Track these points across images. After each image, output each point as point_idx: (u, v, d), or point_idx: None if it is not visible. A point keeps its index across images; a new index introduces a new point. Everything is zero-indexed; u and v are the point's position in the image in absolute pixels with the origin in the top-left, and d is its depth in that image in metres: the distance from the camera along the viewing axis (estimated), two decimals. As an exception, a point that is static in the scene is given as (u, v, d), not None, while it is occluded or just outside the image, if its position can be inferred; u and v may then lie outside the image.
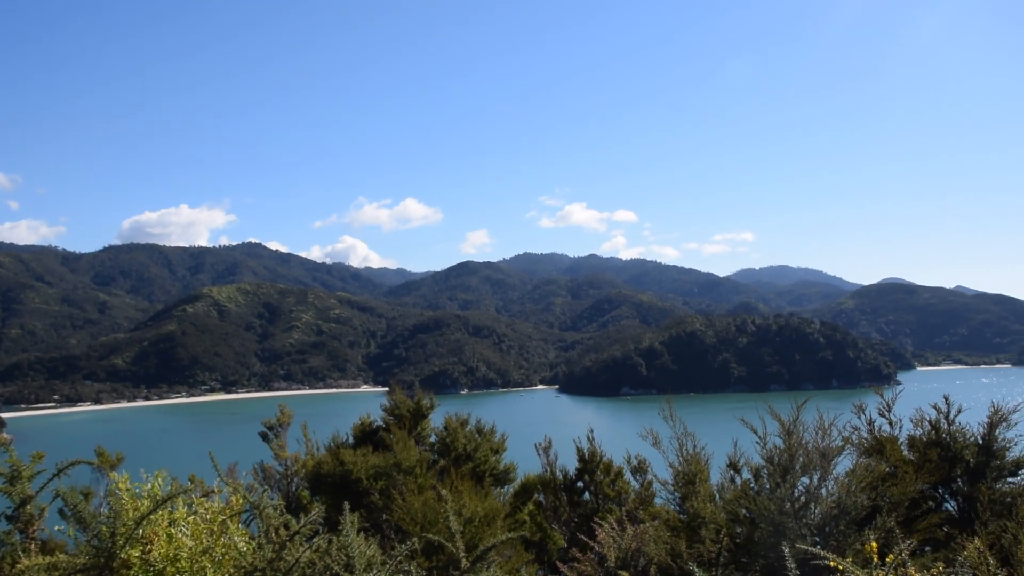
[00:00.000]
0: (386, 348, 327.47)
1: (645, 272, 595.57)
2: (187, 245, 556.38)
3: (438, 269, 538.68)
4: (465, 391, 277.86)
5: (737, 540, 8.93)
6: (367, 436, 16.69)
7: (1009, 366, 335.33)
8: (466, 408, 18.27)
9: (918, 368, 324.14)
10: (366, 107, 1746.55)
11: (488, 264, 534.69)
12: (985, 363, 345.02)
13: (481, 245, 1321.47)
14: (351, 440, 16.94)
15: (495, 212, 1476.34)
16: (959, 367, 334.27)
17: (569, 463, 17.01)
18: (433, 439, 16.95)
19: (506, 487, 16.65)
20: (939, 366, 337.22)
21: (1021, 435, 9.53)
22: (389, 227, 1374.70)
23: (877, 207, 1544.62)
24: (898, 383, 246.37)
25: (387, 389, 19.36)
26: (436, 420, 17.22)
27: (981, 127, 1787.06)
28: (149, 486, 6.67)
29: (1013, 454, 9.42)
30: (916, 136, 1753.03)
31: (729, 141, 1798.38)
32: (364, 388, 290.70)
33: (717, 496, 10.05)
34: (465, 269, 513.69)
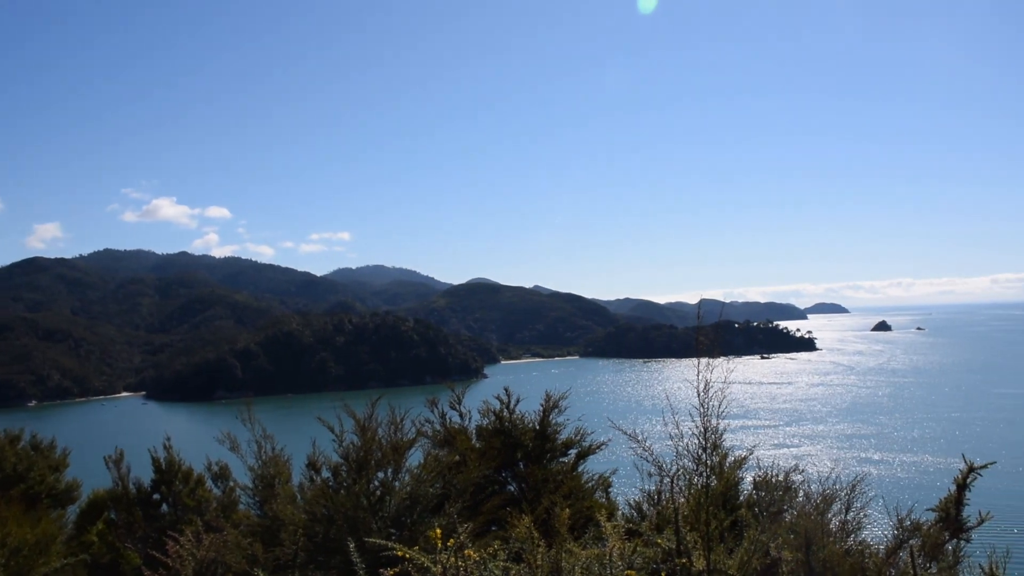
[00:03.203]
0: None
1: (240, 271, 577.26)
2: None
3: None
4: (34, 403, 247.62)
5: (316, 539, 8.95)
6: None
7: (577, 357, 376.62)
8: (33, 423, 16.31)
9: (502, 362, 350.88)
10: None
11: (62, 261, 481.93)
12: (558, 355, 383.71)
13: (52, 240, 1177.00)
14: None
15: (69, 203, 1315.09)
16: (537, 359, 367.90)
17: (147, 475, 15.90)
18: (-24, 460, 14.88)
19: (71, 507, 15.14)
20: (520, 359, 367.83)
21: (569, 419, 10.74)
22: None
23: (464, 211, 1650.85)
24: (485, 376, 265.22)
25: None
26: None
27: (536, 134, 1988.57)
28: None
29: (563, 436, 10.57)
30: (486, 145, 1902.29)
31: (326, 141, 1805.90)
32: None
33: (298, 496, 10.01)
34: (33, 266, 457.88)
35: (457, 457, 9.65)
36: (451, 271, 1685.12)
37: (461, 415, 11.03)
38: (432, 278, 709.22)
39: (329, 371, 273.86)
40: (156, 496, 15.60)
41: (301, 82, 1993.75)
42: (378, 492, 8.56)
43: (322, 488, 9.29)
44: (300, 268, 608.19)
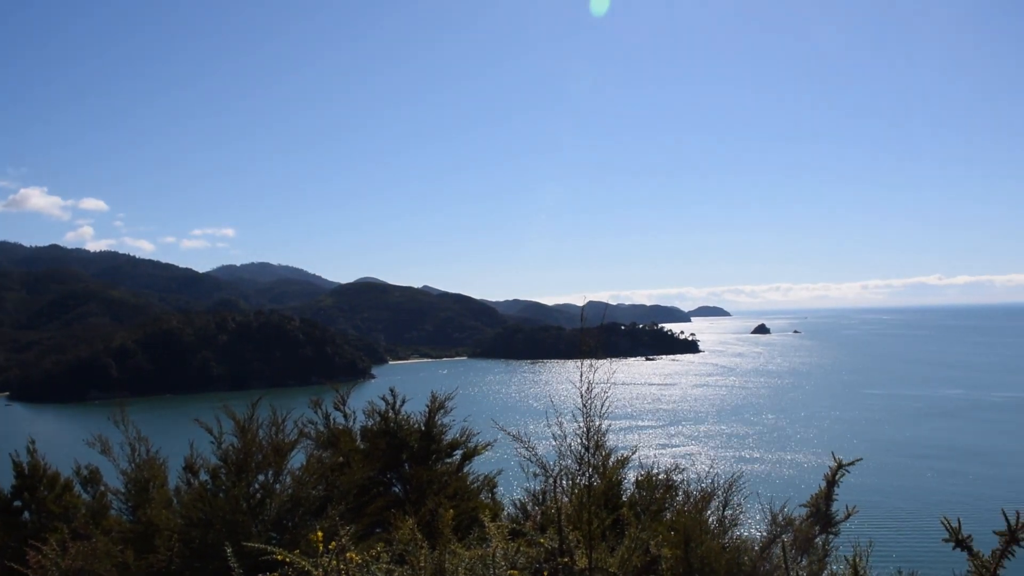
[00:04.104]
0: None
1: (118, 266, 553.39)
2: None
3: None
4: None
5: (192, 544, 8.66)
6: None
7: (466, 358, 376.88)
8: None
9: (391, 362, 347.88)
10: None
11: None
12: (447, 356, 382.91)
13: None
14: None
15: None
16: (426, 360, 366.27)
17: (8, 480, 15.03)
18: None
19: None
20: (409, 359, 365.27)
21: (455, 420, 10.72)
22: None
23: (352, 209, 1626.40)
24: (373, 376, 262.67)
25: None
26: None
27: (437, 142, 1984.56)
28: None
29: (448, 437, 10.55)
30: (375, 143, 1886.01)
31: (209, 132, 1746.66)
32: None
33: (175, 500, 9.68)
34: None
35: (341, 458, 9.51)
36: (339, 270, 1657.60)
37: (345, 416, 10.87)
38: (319, 277, 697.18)
39: (211, 371, 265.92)
40: (17, 503, 14.76)
41: (182, 69, 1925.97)
42: (258, 495, 8.34)
43: (200, 491, 9.00)
44: (181, 264, 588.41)
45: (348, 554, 6.09)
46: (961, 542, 6.20)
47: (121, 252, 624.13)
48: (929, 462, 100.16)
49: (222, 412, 8.40)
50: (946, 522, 6.20)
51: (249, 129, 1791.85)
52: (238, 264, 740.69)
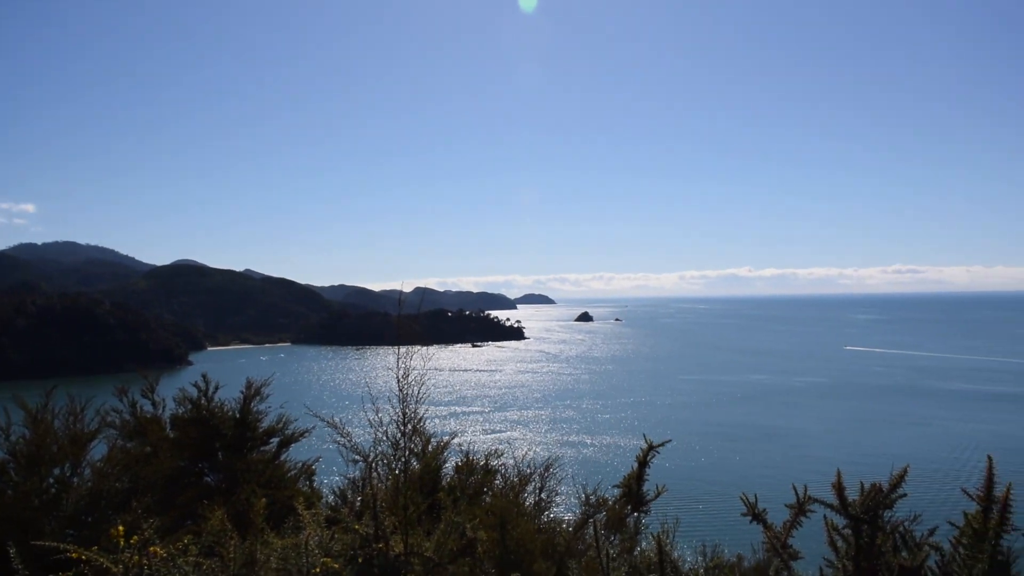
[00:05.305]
0: None
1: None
2: None
3: None
4: None
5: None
6: None
7: (289, 344, 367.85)
8: None
9: (209, 349, 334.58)
10: None
11: None
12: (270, 342, 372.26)
13: None
14: None
15: None
16: (247, 346, 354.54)
17: None
18: None
19: None
20: (229, 346, 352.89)
21: (272, 407, 10.45)
22: None
23: (168, 185, 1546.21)
24: (190, 363, 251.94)
25: None
26: None
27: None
28: None
29: (265, 424, 10.28)
30: (195, 116, 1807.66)
31: (5, 97, 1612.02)
32: None
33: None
34: None
35: (148, 448, 9.06)
36: (154, 251, 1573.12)
37: (154, 404, 10.36)
38: (132, 258, 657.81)
39: (8, 358, 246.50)
40: None
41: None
42: (53, 489, 7.81)
43: (-15, 487, 8.33)
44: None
45: (152, 548, 5.82)
46: (757, 516, 6.64)
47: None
48: (734, 443, 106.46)
49: (11, 402, 7.80)
50: (744, 498, 6.64)
51: (53, 96, 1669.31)
52: (39, 243, 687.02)
